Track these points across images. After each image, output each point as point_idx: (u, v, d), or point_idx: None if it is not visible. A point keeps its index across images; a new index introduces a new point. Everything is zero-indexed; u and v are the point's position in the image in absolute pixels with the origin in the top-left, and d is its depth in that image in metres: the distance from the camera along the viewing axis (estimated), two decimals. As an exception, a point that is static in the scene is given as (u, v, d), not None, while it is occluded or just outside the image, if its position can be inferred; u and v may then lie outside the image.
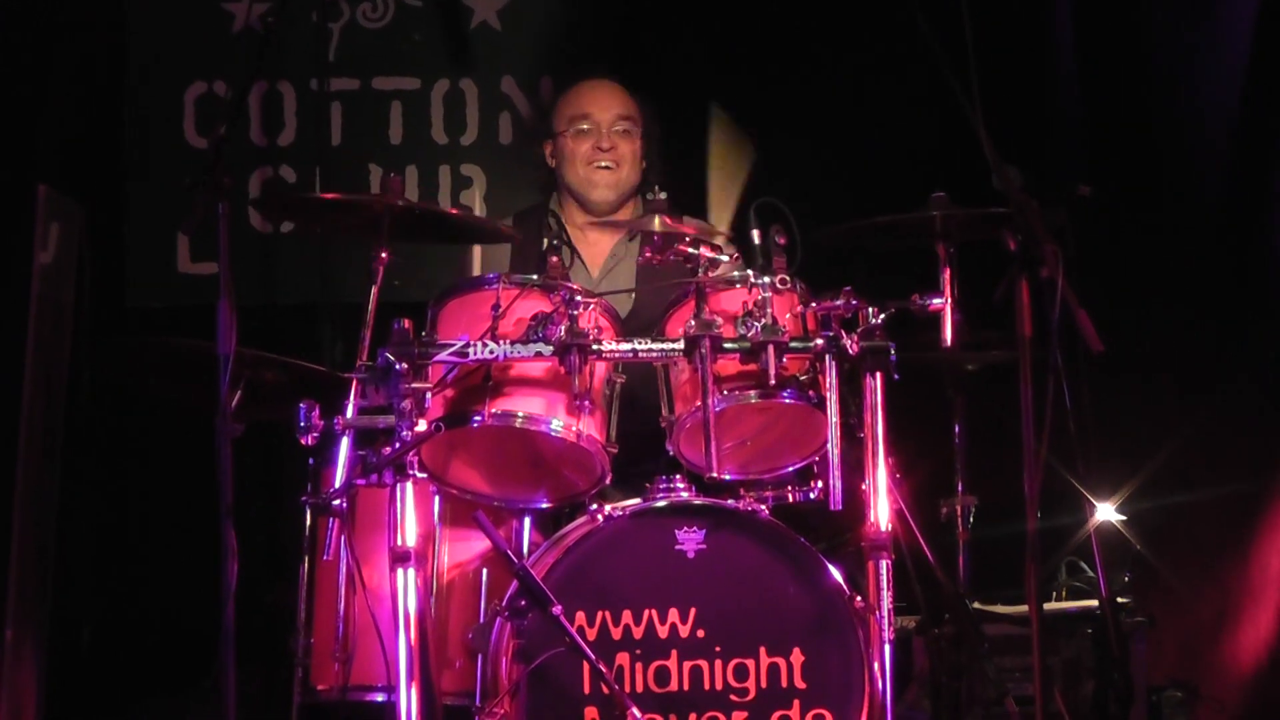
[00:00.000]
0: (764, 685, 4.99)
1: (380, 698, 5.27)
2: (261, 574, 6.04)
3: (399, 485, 4.83)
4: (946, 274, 5.56)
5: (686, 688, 4.98)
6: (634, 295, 5.93)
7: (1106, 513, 6.30)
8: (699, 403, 4.95)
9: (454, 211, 6.60)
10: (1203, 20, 7.12)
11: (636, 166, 6.20)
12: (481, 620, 5.19)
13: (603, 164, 6.16)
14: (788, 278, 5.05)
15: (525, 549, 5.26)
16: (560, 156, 6.23)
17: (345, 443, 4.95)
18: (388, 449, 4.83)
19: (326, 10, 7.41)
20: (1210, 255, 7.04)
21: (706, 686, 4.98)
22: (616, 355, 5.03)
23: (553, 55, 7.47)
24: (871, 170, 7.25)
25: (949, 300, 5.34)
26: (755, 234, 5.13)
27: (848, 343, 4.96)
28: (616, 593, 4.99)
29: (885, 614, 4.88)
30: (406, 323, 4.93)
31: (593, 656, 4.84)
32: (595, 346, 4.96)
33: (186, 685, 6.59)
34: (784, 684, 4.99)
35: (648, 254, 5.13)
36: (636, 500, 5.15)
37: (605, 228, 6.20)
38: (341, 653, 5.30)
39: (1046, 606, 6.24)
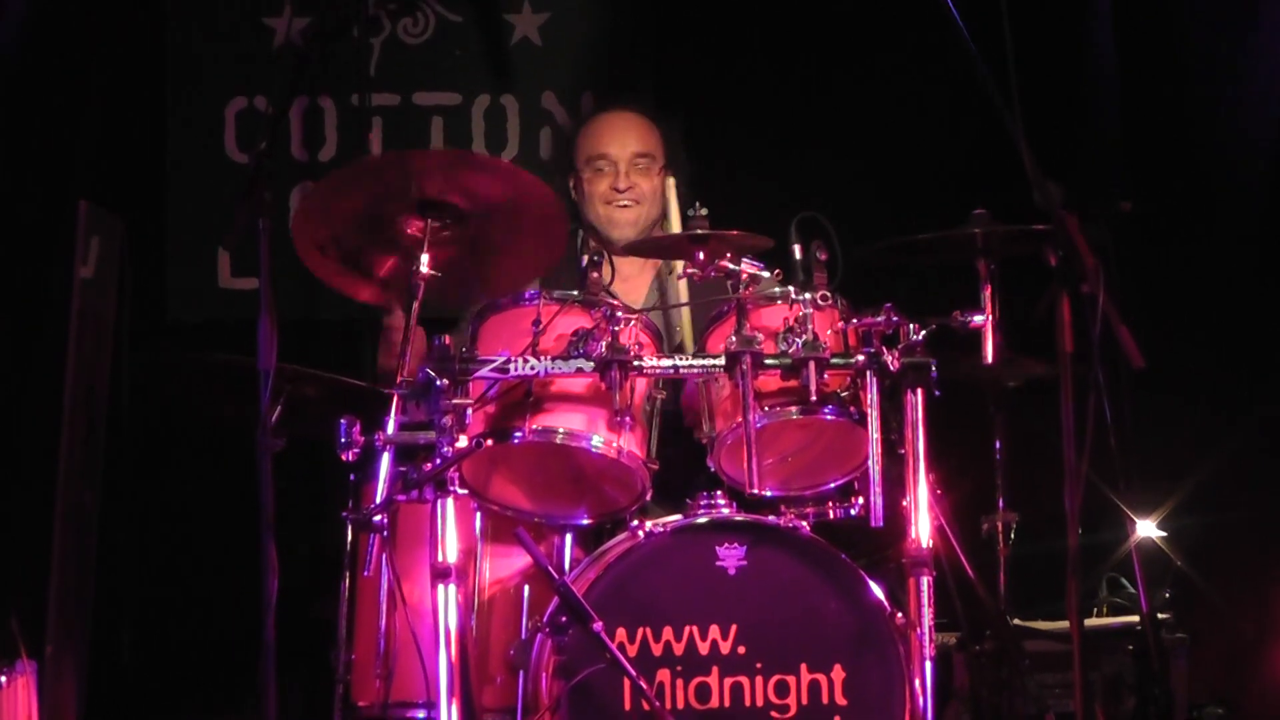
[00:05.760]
0: (805, 702, 4.97)
1: (421, 714, 5.27)
2: (303, 589, 6.05)
3: (440, 501, 4.81)
4: (988, 290, 5.55)
5: (727, 704, 4.95)
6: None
7: (1147, 529, 6.29)
8: (740, 419, 4.94)
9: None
10: (1246, 31, 7.08)
11: (657, 201, 6.12)
12: (522, 636, 5.18)
13: (622, 203, 6.11)
14: (829, 294, 5.03)
15: (566, 565, 5.26)
16: (580, 193, 6.18)
17: (386, 458, 4.92)
18: (428, 465, 4.81)
19: (367, 25, 7.43)
20: (1253, 270, 7.00)
21: (747, 703, 4.96)
22: (657, 371, 5.03)
23: (594, 70, 7.48)
24: (912, 186, 7.24)
25: (990, 317, 5.32)
26: (796, 249, 5.12)
27: (889, 359, 4.94)
28: (657, 609, 4.98)
29: (926, 630, 4.86)
30: (447, 339, 4.93)
31: (634, 673, 4.83)
32: (636, 362, 4.96)
33: (227, 700, 6.62)
34: (825, 700, 4.97)
35: (689, 270, 5.13)
36: (678, 516, 5.14)
37: (642, 260, 6.17)
38: (382, 669, 5.30)
39: (1087, 623, 6.22)
